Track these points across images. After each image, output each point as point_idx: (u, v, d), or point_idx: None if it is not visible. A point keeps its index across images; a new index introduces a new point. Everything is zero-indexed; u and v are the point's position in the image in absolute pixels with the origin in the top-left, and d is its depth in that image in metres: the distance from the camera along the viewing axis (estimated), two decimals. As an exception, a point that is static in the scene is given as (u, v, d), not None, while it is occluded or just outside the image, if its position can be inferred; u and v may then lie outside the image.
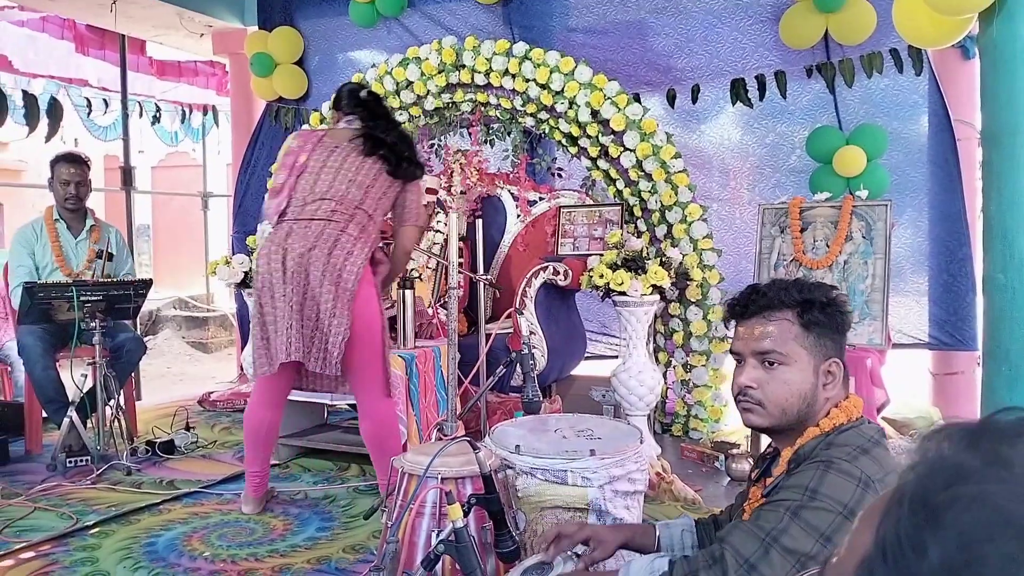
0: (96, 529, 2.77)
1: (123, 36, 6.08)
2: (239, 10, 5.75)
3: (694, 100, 4.41)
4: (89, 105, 6.80)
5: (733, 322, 1.49)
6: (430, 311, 3.73)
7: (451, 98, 4.29)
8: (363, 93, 2.95)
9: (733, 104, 4.35)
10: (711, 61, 4.40)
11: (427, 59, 4.19)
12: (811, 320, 1.38)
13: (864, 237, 3.58)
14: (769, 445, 1.55)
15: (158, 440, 3.75)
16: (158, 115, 7.23)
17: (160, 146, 8.70)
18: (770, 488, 1.39)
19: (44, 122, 5.86)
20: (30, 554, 2.56)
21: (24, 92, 5.87)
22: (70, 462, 3.45)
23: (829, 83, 4.14)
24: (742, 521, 1.37)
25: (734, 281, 4.01)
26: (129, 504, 3.01)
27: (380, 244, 2.89)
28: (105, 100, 6.97)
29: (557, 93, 3.92)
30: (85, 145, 6.92)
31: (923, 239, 4.13)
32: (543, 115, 4.07)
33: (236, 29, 5.78)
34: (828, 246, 3.62)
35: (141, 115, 6.95)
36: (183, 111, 7.63)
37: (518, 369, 2.53)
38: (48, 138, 5.80)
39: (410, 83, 4.25)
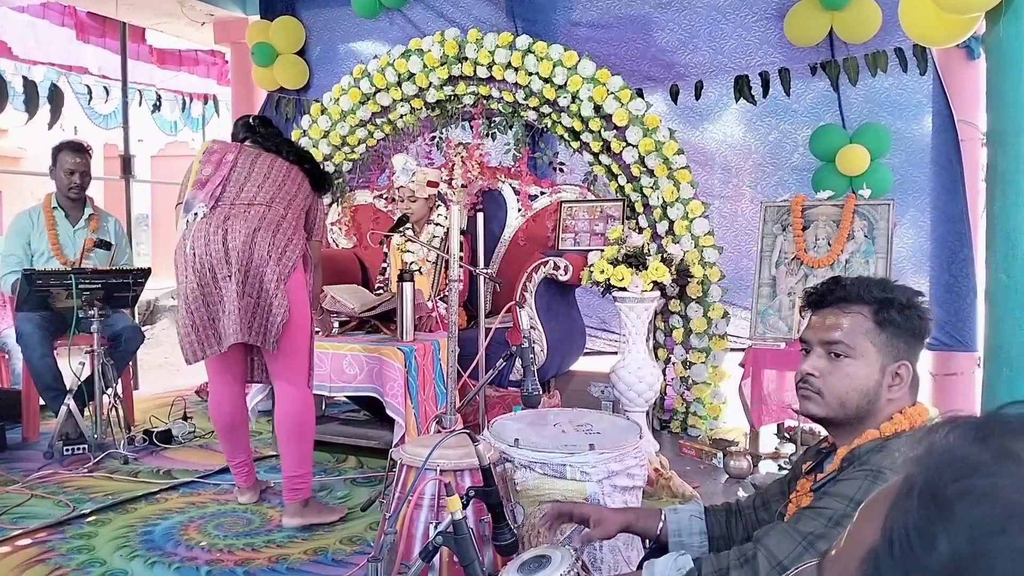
0: (93, 517, 2.77)
1: (124, 24, 6.05)
2: (241, -1, 5.73)
3: (697, 96, 4.40)
4: (90, 93, 6.77)
5: (808, 311, 1.48)
6: (429, 304, 3.72)
7: (453, 91, 4.27)
8: (251, 119, 2.94)
9: (736, 101, 4.34)
10: (715, 57, 4.39)
11: (429, 51, 4.17)
12: (886, 318, 1.37)
13: (866, 236, 3.57)
14: (824, 439, 1.52)
15: (155, 429, 3.74)
16: (158, 104, 7.21)
17: (159, 135, 8.67)
18: (819, 484, 1.37)
19: (45, 109, 5.84)
20: (27, 541, 2.55)
21: (24, 79, 5.85)
22: (67, 450, 3.44)
23: (833, 81, 4.13)
24: (780, 522, 1.35)
25: (735, 278, 4.01)
26: (126, 493, 3.00)
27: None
28: (106, 88, 6.95)
29: (560, 87, 3.91)
30: (85, 133, 6.89)
31: (925, 239, 4.12)
32: (545, 109, 4.06)
33: (238, 18, 5.76)
34: (830, 245, 3.61)
35: (141, 103, 6.93)
36: (183, 100, 7.61)
37: (517, 363, 2.53)
38: (50, 125, 5.78)
39: (412, 75, 4.24)
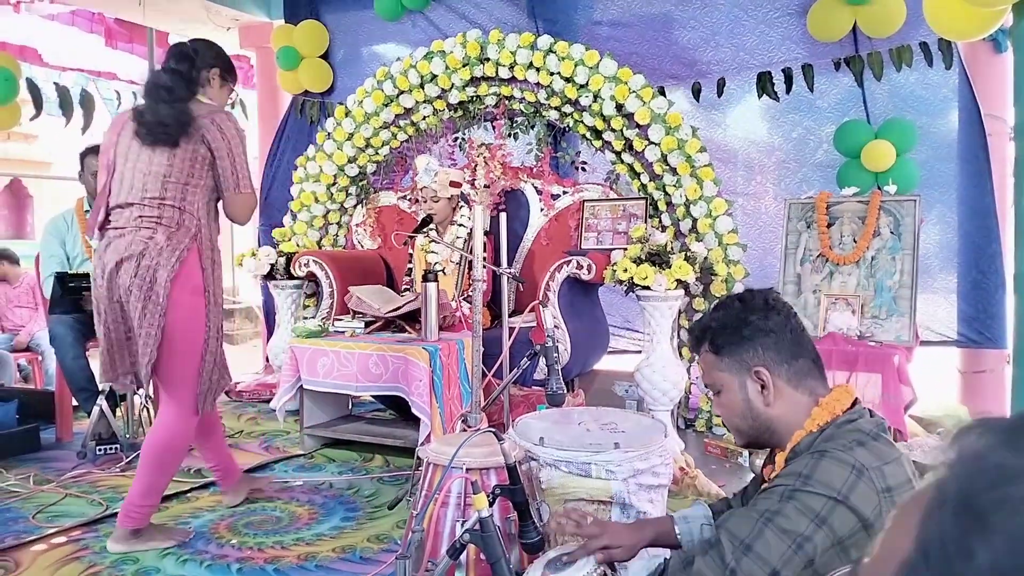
0: (125, 515, 2.81)
1: (151, 30, 6.14)
2: (265, 4, 5.80)
3: (719, 94, 4.38)
4: (118, 98, 6.88)
5: None
6: (453, 304, 3.74)
7: (475, 91, 4.29)
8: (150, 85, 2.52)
9: (759, 98, 4.32)
10: (737, 54, 4.37)
11: (451, 52, 4.19)
12: (718, 346, 1.47)
13: (892, 232, 3.54)
14: None
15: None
16: (186, 108, 7.29)
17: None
18: (770, 486, 1.40)
19: (76, 114, 5.95)
20: (62, 539, 2.61)
21: (56, 85, 5.96)
22: (100, 450, 3.51)
23: (857, 77, 4.09)
24: (739, 508, 1.39)
25: (759, 276, 3.99)
26: (157, 491, 3.05)
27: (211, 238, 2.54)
28: (134, 93, 7.05)
29: (581, 87, 3.92)
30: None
31: (952, 235, 4.08)
32: (567, 108, 4.06)
33: (262, 23, 5.83)
34: (855, 241, 3.58)
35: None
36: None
37: (541, 363, 2.54)
38: (83, 130, 5.89)
39: (434, 77, 4.26)
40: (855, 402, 1.42)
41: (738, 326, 1.44)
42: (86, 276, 3.50)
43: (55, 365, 3.84)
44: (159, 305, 2.37)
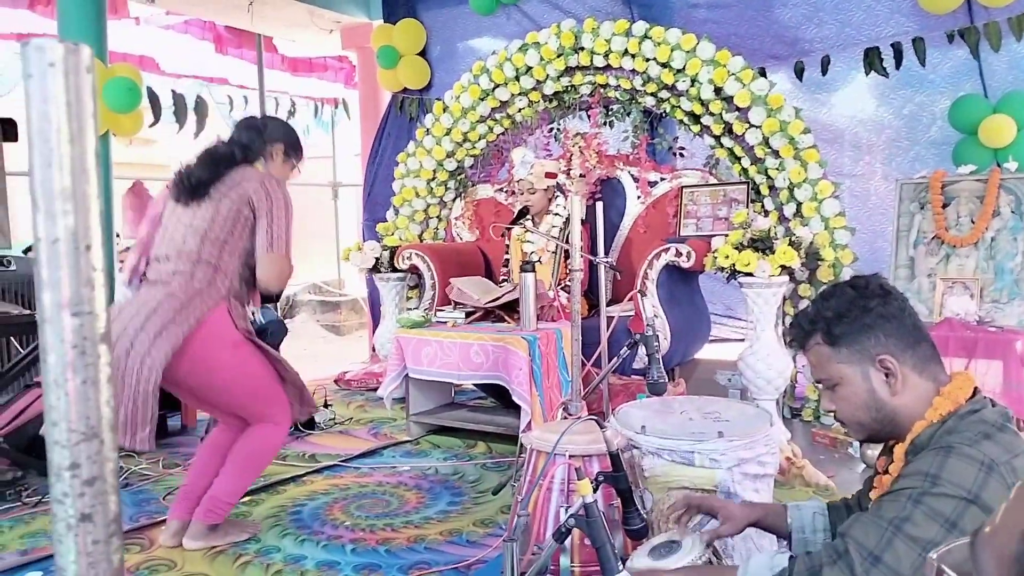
0: (247, 498, 2.98)
1: (259, 35, 6.43)
2: (365, 5, 5.97)
3: (824, 72, 4.23)
4: (230, 103, 7.23)
5: None
6: (551, 294, 3.77)
7: (570, 81, 4.29)
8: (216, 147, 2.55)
9: (867, 74, 4.14)
10: (842, 30, 4.20)
11: (546, 44, 4.21)
12: (834, 337, 1.40)
13: (1013, 212, 3.34)
14: None
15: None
16: (293, 110, 7.61)
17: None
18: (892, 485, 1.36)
19: (191, 120, 6.31)
20: (191, 518, 2.79)
21: (173, 92, 6.32)
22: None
23: (973, 48, 3.87)
24: (863, 513, 1.34)
25: (869, 260, 3.84)
26: (276, 476, 3.22)
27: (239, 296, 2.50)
28: (245, 97, 7.39)
29: (678, 71, 3.86)
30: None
31: (1083, 212, 3.80)
32: (664, 94, 4.01)
33: (362, 24, 6.01)
34: (973, 222, 3.40)
35: (277, 110, 7.33)
36: (315, 105, 7.99)
37: (640, 352, 2.53)
38: (197, 135, 6.23)
39: (529, 68, 4.29)
40: (975, 391, 1.36)
41: (858, 314, 1.38)
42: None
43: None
44: (160, 355, 2.29)
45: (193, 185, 2.43)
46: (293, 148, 2.70)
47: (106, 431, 0.50)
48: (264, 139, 2.59)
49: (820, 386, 1.48)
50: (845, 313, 1.39)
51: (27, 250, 4.82)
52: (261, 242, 2.42)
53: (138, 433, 2.30)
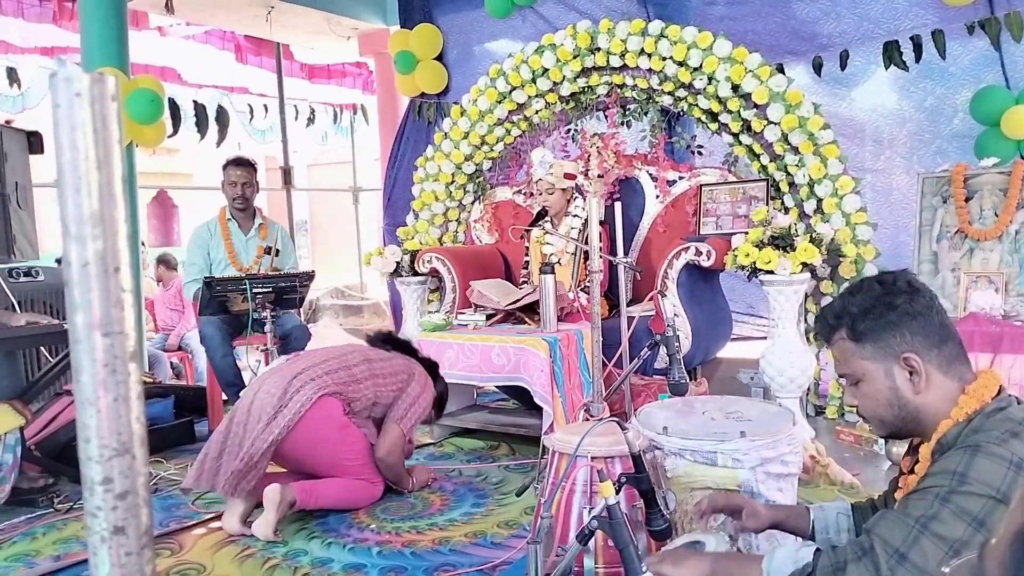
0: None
1: (278, 44, 6.49)
2: (381, 11, 6.01)
3: (843, 67, 4.20)
4: (251, 111, 7.30)
5: None
6: (570, 295, 3.78)
7: (587, 82, 4.30)
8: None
9: (887, 68, 4.11)
10: (860, 24, 4.17)
11: (562, 45, 4.22)
12: (859, 333, 1.39)
13: (1040, 204, 3.30)
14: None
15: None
16: (312, 116, 7.67)
17: (313, 145, 9.24)
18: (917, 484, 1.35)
19: (213, 128, 6.39)
20: (217, 524, 2.83)
21: (194, 102, 6.40)
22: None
23: (994, 39, 3.82)
24: (890, 510, 1.33)
25: (891, 256, 3.81)
26: (301, 479, 3.25)
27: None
28: (265, 105, 7.46)
29: (695, 70, 3.85)
30: (246, 148, 7.48)
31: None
32: (681, 93, 4.01)
33: (379, 29, 6.05)
34: (997, 215, 3.36)
35: (296, 118, 7.40)
36: (334, 111, 8.06)
37: (661, 352, 2.54)
38: (219, 143, 6.30)
39: (546, 70, 4.30)
40: (1000, 389, 1.35)
41: (883, 311, 1.37)
42: (231, 280, 3.76)
43: (204, 363, 4.14)
44: (278, 427, 2.66)
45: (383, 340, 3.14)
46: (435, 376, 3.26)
47: (137, 446, 0.52)
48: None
49: (844, 381, 1.47)
50: (871, 309, 1.38)
51: (60, 260, 4.91)
52: (399, 411, 2.96)
53: (240, 484, 2.64)
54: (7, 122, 4.05)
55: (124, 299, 0.49)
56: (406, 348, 3.21)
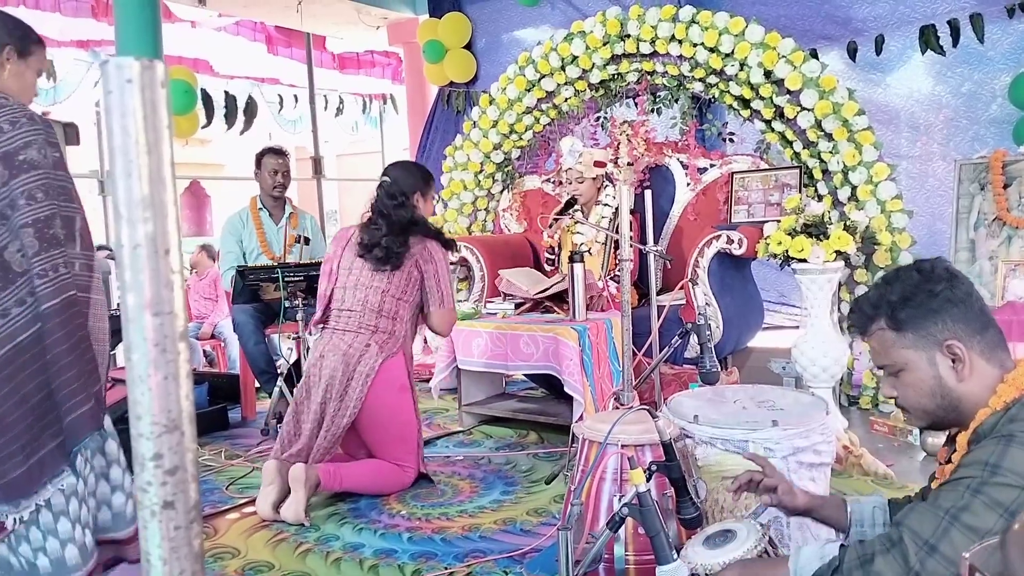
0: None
1: (308, 34, 6.53)
2: (411, 0, 6.02)
3: (878, 52, 4.13)
4: (281, 102, 7.35)
5: None
6: (600, 284, 3.77)
7: (616, 69, 4.27)
8: (387, 189, 2.95)
9: (923, 53, 4.03)
10: (896, 8, 4.10)
11: (591, 32, 4.19)
12: (899, 321, 1.36)
13: (1082, 190, 3.22)
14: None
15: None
16: (341, 107, 7.71)
17: (342, 135, 9.28)
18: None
19: (240, 119, 6.44)
20: (251, 509, 2.87)
21: (226, 93, 6.46)
22: (280, 427, 3.82)
23: (1036, 21, 3.73)
24: (920, 503, 1.31)
25: (927, 244, 3.75)
26: (333, 466, 3.29)
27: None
28: (295, 96, 7.51)
29: (727, 56, 3.81)
30: (276, 139, 7.55)
31: None
32: (712, 79, 3.97)
33: (409, 19, 6.06)
34: (1038, 202, 3.29)
35: (326, 108, 7.44)
36: (364, 101, 8.09)
37: (692, 341, 2.52)
38: (242, 132, 6.34)
39: (575, 58, 4.28)
40: None
41: (924, 298, 1.34)
42: (263, 269, 3.81)
43: (237, 351, 4.20)
44: (352, 400, 2.81)
45: (384, 257, 2.88)
46: (429, 185, 3.09)
47: (186, 423, 0.53)
48: (411, 187, 3.01)
49: (882, 372, 1.44)
50: (911, 297, 1.36)
51: (99, 248, 4.99)
52: (433, 299, 2.95)
53: (322, 459, 2.80)
54: (44, 114, 4.12)
55: (174, 280, 0.51)
56: (390, 229, 2.91)
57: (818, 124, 3.65)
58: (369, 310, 2.89)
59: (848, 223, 3.28)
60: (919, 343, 1.36)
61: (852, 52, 4.20)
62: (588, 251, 3.98)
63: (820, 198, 3.74)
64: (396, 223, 2.90)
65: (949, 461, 1.40)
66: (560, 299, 3.63)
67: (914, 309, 1.35)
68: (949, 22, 3.92)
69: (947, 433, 1.48)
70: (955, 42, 3.92)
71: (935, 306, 1.34)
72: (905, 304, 1.36)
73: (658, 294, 3.29)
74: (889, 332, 1.38)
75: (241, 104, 6.52)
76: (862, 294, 1.47)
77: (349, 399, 2.82)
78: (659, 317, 3.12)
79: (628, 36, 4.10)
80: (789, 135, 3.85)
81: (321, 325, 3.04)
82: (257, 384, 4.18)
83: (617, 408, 2.41)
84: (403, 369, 2.91)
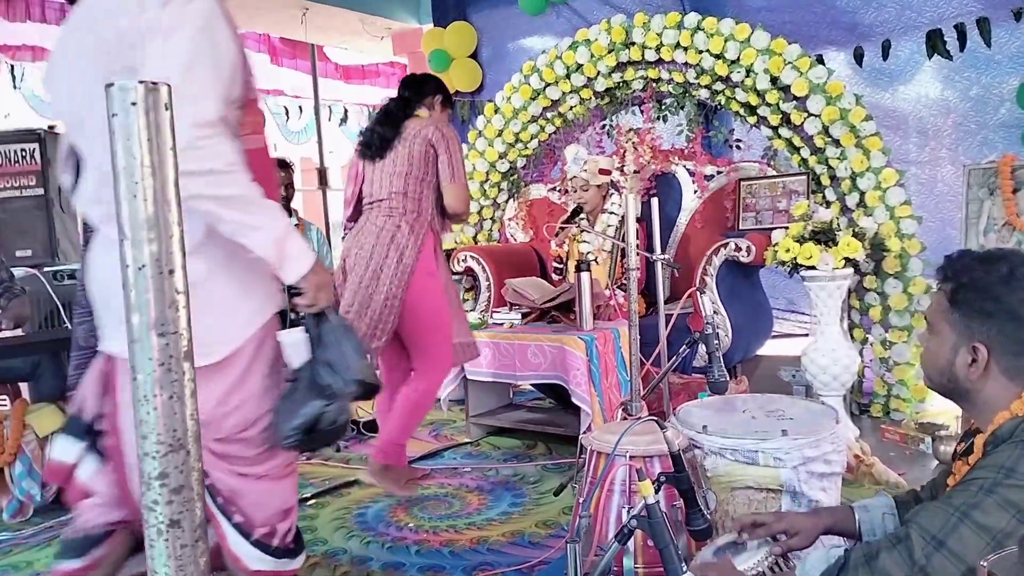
0: (313, 501, 3.05)
1: (312, 45, 6.55)
2: (415, 10, 6.04)
3: (885, 57, 4.12)
4: (286, 113, 7.38)
5: None
6: (607, 293, 3.76)
7: (622, 77, 4.27)
8: (388, 105, 3.11)
9: (930, 57, 4.01)
10: (902, 13, 4.09)
11: (596, 40, 4.19)
12: (959, 299, 1.36)
13: (1093, 195, 3.20)
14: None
15: (361, 420, 4.05)
16: (345, 117, 7.73)
17: (347, 145, 9.29)
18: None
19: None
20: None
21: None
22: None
23: (1043, 25, 3.72)
24: (931, 502, 1.31)
25: (937, 250, 3.71)
26: (340, 478, 3.29)
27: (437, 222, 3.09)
28: (300, 107, 7.54)
29: (733, 62, 3.80)
30: (281, 150, 7.56)
31: None
32: (718, 86, 3.96)
33: (413, 29, 6.08)
34: (1048, 207, 3.27)
35: (330, 118, 7.46)
36: (368, 112, 8.10)
37: (700, 350, 2.51)
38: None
39: (580, 66, 4.28)
40: None
41: (989, 298, 1.33)
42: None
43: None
44: (403, 280, 2.89)
45: (380, 145, 3.00)
46: (448, 99, 3.25)
47: (191, 443, 0.53)
48: (424, 92, 3.11)
49: (925, 321, 1.48)
50: (981, 289, 1.35)
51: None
52: (444, 174, 2.98)
53: (374, 342, 2.90)
54: (51, 128, 4.15)
55: (179, 300, 0.50)
56: (385, 120, 3.07)
57: (825, 130, 3.64)
58: (395, 193, 2.97)
59: (857, 229, 3.27)
60: (957, 326, 1.37)
61: (859, 57, 4.19)
62: (595, 260, 3.97)
63: (828, 204, 3.72)
64: (395, 114, 3.05)
65: (967, 454, 1.39)
66: (567, 308, 3.62)
67: (973, 301, 1.35)
68: (956, 26, 3.90)
69: (963, 433, 1.48)
70: (962, 46, 3.91)
71: (991, 309, 1.33)
72: (971, 289, 1.35)
73: (666, 303, 3.27)
74: (945, 300, 1.39)
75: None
76: (963, 253, 1.43)
77: (386, 276, 2.89)
78: (667, 326, 3.10)
79: (633, 43, 4.10)
80: (796, 141, 3.83)
81: (352, 223, 3.16)
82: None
83: (625, 418, 2.40)
84: (431, 252, 2.98)
